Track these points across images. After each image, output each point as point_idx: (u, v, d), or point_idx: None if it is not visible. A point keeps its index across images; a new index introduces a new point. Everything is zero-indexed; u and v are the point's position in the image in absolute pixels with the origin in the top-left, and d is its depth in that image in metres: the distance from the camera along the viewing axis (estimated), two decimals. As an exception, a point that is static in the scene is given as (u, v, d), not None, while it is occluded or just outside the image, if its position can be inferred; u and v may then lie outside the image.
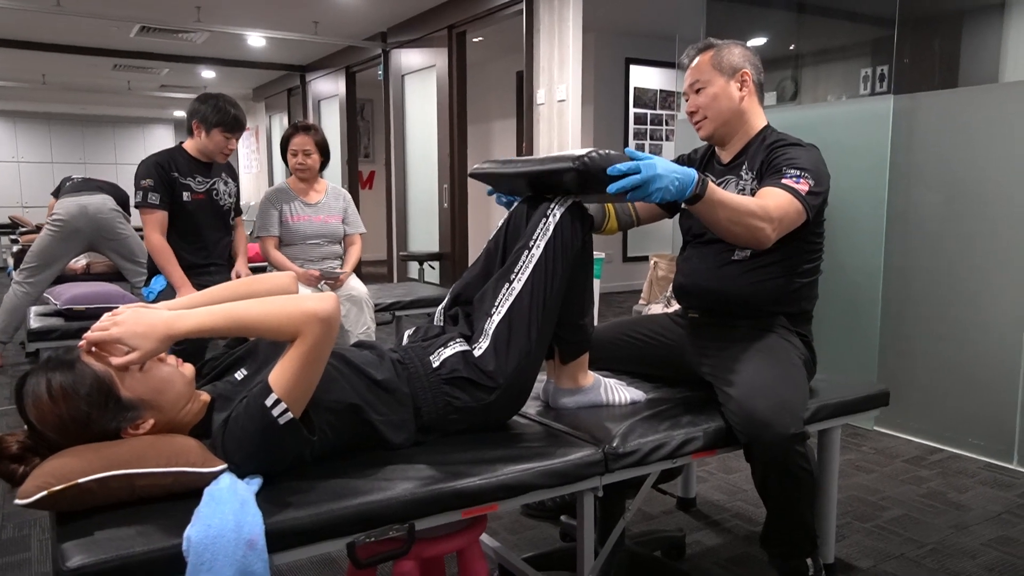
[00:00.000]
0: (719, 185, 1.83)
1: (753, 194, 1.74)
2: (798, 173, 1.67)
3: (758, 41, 4.11)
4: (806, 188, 1.65)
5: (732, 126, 1.84)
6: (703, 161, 1.97)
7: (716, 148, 1.93)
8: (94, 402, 1.15)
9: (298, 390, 1.19)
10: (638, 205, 1.98)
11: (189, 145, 2.96)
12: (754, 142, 1.83)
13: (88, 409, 1.14)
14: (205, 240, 3.00)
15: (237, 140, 2.96)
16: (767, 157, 1.76)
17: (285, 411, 1.17)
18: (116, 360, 1.16)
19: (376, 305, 3.30)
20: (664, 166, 1.43)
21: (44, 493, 1.05)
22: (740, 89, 1.81)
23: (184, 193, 2.89)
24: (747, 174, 1.81)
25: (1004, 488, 2.50)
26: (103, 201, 4.26)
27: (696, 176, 1.48)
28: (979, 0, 3.44)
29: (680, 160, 2.03)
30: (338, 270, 3.28)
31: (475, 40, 6.76)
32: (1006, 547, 2.08)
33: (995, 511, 2.32)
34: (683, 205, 1.55)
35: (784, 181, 1.66)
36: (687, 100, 1.87)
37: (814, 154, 1.75)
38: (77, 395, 1.14)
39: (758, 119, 1.85)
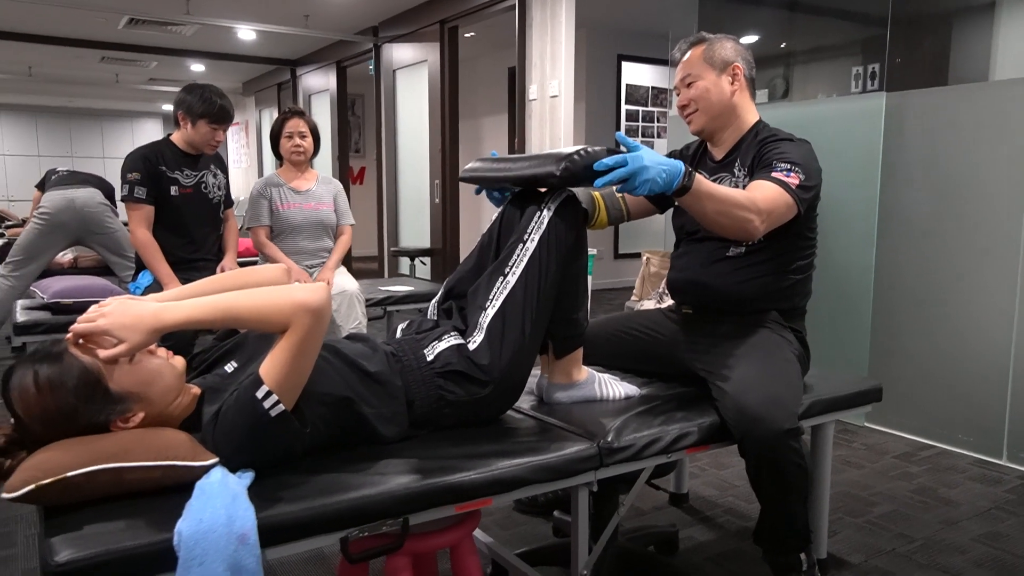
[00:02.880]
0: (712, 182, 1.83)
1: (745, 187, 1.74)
2: (788, 167, 1.67)
3: (750, 39, 4.11)
4: (796, 182, 1.65)
5: (723, 120, 1.83)
6: (695, 157, 1.96)
7: (708, 145, 1.92)
8: (81, 395, 1.12)
9: (289, 382, 1.18)
10: (628, 199, 1.97)
11: (176, 137, 2.91)
12: (746, 138, 1.83)
13: (75, 401, 1.12)
14: (194, 235, 2.95)
15: (224, 131, 2.91)
16: (758, 152, 1.76)
17: (276, 403, 1.16)
18: (104, 353, 1.14)
19: (367, 300, 3.28)
20: (651, 158, 1.43)
21: (32, 487, 1.03)
22: (731, 83, 1.81)
23: (171, 187, 2.84)
24: (740, 171, 1.81)
25: (993, 484, 2.51)
26: (91, 194, 4.20)
27: (683, 168, 1.48)
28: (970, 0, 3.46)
29: (671, 156, 2.02)
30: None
31: (467, 35, 6.74)
32: (995, 542, 2.09)
33: (984, 507, 2.33)
34: (673, 198, 1.55)
35: (774, 175, 1.66)
36: (678, 94, 1.87)
37: (805, 148, 1.74)
38: (64, 387, 1.12)
39: (750, 114, 1.85)
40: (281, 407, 1.16)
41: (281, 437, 1.21)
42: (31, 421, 1.13)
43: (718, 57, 1.80)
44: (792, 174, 1.66)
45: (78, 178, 4.35)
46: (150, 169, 2.80)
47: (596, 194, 1.97)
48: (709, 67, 1.80)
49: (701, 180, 1.52)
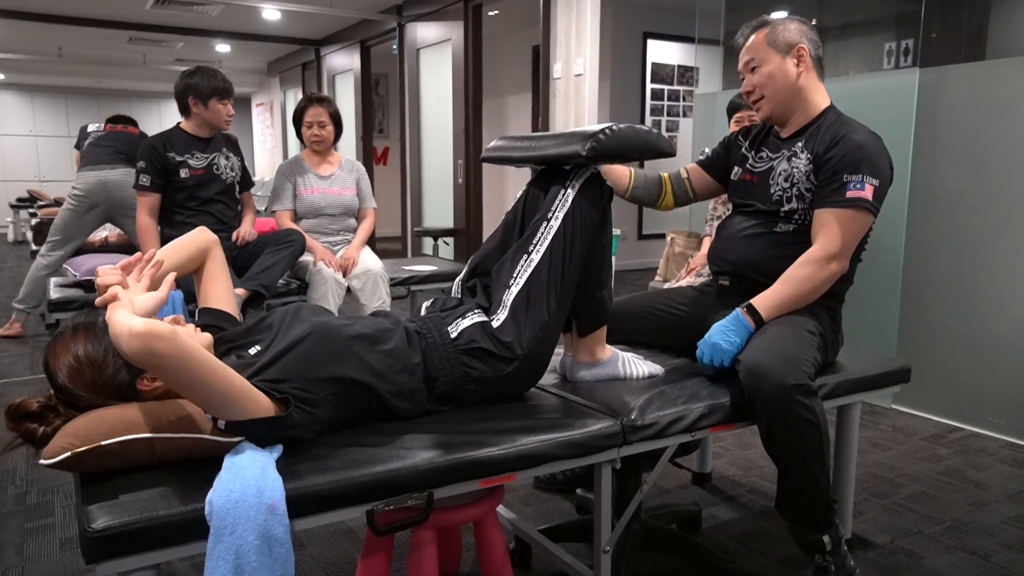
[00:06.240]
0: (773, 160, 1.82)
1: (805, 173, 1.74)
2: (860, 178, 1.67)
3: (779, 15, 4.03)
4: (871, 191, 1.67)
5: (791, 105, 1.80)
6: (758, 138, 1.93)
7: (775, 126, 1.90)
8: (110, 345, 1.18)
9: (206, 404, 1.12)
10: (694, 179, 2.00)
11: (185, 124, 3.07)
12: (815, 122, 1.79)
13: (104, 351, 1.18)
14: (213, 210, 3.08)
15: (231, 105, 3.08)
16: (828, 155, 1.71)
17: (215, 420, 1.15)
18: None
19: (391, 279, 3.30)
20: (715, 335, 1.65)
21: (68, 454, 1.07)
22: (797, 65, 1.77)
23: (181, 170, 3.00)
24: (803, 153, 1.77)
25: None
26: (122, 177, 4.31)
27: (743, 318, 1.65)
28: (1010, -29, 3.35)
29: (724, 141, 2.00)
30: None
31: (491, 14, 6.68)
32: (1025, 525, 2.07)
33: (1015, 489, 2.30)
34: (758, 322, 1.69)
35: (849, 195, 1.67)
36: (743, 79, 1.84)
37: (875, 144, 1.71)
38: (94, 336, 1.19)
39: (819, 97, 1.81)
40: (222, 423, 1.15)
41: (261, 431, 1.18)
42: (63, 373, 1.17)
43: (782, 39, 1.77)
44: (867, 184, 1.67)
45: (107, 156, 4.38)
46: (156, 157, 2.97)
47: (664, 175, 1.97)
48: (773, 50, 1.77)
49: (764, 305, 1.67)
